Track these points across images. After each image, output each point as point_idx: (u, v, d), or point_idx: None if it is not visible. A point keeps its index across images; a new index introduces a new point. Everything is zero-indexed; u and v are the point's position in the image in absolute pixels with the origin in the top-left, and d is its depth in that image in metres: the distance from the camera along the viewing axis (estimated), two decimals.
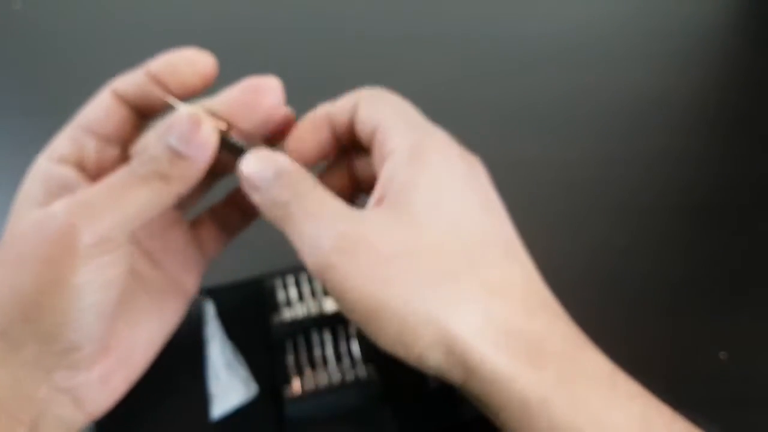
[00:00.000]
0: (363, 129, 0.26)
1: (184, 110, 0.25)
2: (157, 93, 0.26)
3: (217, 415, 0.32)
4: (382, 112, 0.26)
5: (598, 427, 0.21)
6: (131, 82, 0.26)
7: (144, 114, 0.27)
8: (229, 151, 0.26)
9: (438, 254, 0.23)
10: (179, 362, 0.33)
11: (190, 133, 0.24)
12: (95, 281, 0.24)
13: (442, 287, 0.22)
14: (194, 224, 0.30)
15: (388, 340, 0.23)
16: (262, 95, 0.26)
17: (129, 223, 0.24)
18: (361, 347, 0.34)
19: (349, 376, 0.32)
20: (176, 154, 0.24)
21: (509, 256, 0.25)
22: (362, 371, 0.32)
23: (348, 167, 0.29)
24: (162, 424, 0.31)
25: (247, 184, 0.26)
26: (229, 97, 0.26)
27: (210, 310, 0.36)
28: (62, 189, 0.25)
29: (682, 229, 0.42)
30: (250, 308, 0.36)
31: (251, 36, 0.59)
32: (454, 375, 0.23)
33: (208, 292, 0.37)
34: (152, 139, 0.26)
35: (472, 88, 0.52)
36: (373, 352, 0.33)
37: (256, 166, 0.25)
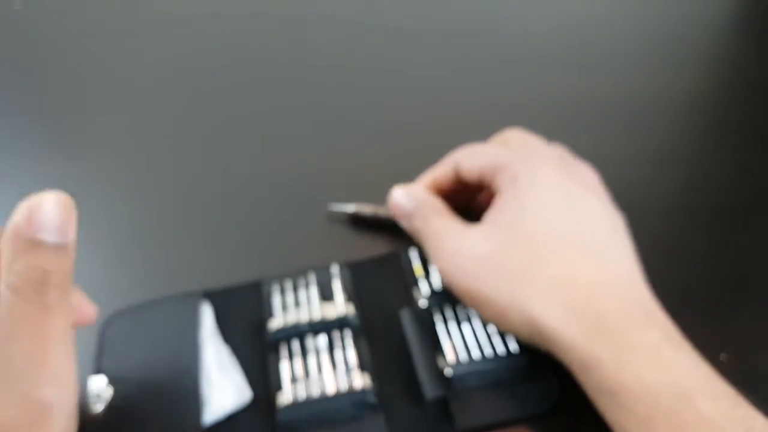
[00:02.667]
0: (470, 177, 0.36)
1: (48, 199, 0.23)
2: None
3: (209, 421, 0.31)
4: (480, 162, 0.35)
5: (639, 384, 0.26)
6: None
7: None
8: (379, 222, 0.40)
9: (514, 256, 0.31)
10: (175, 365, 0.33)
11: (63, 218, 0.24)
12: None
13: (519, 280, 0.30)
14: None
15: (488, 317, 0.32)
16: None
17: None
18: (356, 355, 0.33)
19: (343, 385, 0.32)
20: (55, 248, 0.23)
21: (582, 253, 0.31)
22: (357, 380, 0.32)
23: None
24: (154, 430, 0.31)
25: (396, 211, 0.38)
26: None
27: (207, 312, 0.36)
28: None
29: (682, 230, 0.41)
30: (246, 312, 0.36)
31: (253, 34, 0.58)
32: (540, 344, 0.30)
33: (205, 294, 0.37)
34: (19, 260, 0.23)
35: (471, 88, 0.52)
36: (368, 361, 0.33)
37: (401, 196, 0.37)
